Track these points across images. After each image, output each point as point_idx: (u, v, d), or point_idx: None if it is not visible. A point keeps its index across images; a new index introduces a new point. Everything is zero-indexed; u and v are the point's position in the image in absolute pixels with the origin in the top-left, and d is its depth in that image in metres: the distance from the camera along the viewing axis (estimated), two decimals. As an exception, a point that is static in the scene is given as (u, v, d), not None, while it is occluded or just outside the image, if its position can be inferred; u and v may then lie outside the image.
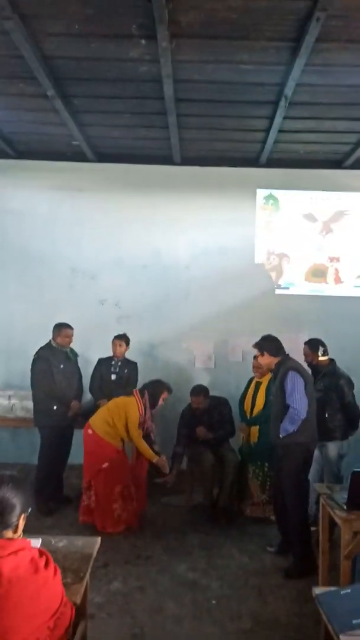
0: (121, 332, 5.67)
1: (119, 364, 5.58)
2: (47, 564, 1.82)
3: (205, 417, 5.25)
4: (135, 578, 3.88)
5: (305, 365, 4.57)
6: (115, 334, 5.62)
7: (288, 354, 4.30)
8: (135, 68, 4.13)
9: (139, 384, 5.72)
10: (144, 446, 4.66)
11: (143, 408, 4.69)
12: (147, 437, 4.75)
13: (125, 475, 4.66)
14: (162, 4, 3.22)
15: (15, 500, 1.86)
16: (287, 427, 3.96)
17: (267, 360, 4.21)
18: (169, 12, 3.35)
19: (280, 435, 4.01)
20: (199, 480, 5.15)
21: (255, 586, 3.82)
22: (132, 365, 5.65)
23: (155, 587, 3.77)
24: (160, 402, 4.93)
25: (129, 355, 5.76)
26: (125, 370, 5.58)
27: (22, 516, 1.88)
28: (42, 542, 2.46)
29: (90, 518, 4.64)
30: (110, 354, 5.61)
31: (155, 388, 4.90)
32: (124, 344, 5.56)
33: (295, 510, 3.99)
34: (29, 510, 1.91)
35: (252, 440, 5.04)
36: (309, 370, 4.45)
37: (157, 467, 4.80)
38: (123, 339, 5.57)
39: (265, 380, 5.12)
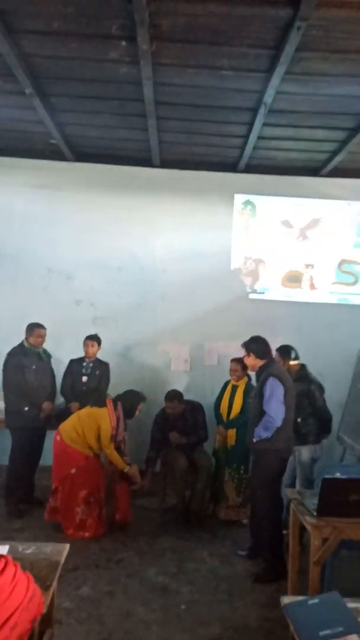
0: (96, 333, 5.61)
1: (91, 364, 5.52)
2: (3, 570, 1.78)
3: (179, 422, 5.24)
4: (105, 582, 3.85)
5: None
6: (86, 334, 5.56)
7: (274, 359, 4.31)
8: (115, 69, 4.11)
9: (111, 385, 5.70)
10: (115, 456, 4.65)
11: (115, 420, 4.68)
12: (117, 448, 4.71)
13: (94, 482, 4.62)
14: (143, 6, 3.21)
15: None
16: (261, 433, 3.98)
17: (252, 361, 4.20)
18: (149, 15, 3.34)
19: (254, 440, 4.03)
20: (172, 484, 5.14)
21: (225, 591, 3.82)
22: (104, 366, 5.60)
23: (125, 592, 3.74)
24: (137, 412, 4.95)
25: (104, 356, 5.72)
26: (97, 372, 5.53)
27: None
28: (9, 548, 2.42)
29: (55, 517, 4.63)
30: (82, 354, 5.56)
31: (132, 399, 4.92)
32: (95, 345, 5.50)
33: (266, 515, 4.01)
34: None
35: (229, 443, 5.04)
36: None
37: (128, 476, 4.77)
38: (95, 339, 5.52)
39: (241, 384, 5.15)
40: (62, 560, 2.40)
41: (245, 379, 5.22)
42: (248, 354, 4.21)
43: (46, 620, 2.34)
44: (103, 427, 4.58)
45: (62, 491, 4.59)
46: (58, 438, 4.68)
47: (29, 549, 2.45)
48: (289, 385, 4.09)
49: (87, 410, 4.77)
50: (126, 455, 4.87)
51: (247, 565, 4.20)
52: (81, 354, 5.56)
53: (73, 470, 4.56)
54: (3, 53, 3.81)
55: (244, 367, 5.19)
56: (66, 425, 4.70)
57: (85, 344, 5.49)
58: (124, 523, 4.75)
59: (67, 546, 2.52)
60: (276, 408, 3.94)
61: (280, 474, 4.14)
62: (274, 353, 4.58)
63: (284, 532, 4.05)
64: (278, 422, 3.94)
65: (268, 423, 3.94)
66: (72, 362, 5.55)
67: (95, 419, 4.62)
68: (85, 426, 4.61)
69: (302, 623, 1.94)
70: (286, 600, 2.17)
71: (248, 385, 5.16)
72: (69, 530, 4.53)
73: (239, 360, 5.14)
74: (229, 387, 5.28)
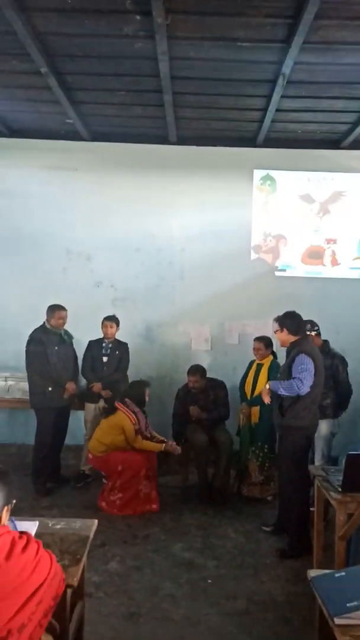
0: (114, 314, 5.62)
1: (110, 345, 5.54)
2: (25, 547, 1.80)
3: (200, 397, 5.27)
4: (132, 558, 3.92)
5: None
6: (105, 316, 5.57)
7: (307, 335, 4.26)
8: (129, 44, 4.04)
9: (133, 367, 5.75)
10: (145, 445, 4.87)
11: (133, 415, 4.86)
12: (146, 437, 4.95)
13: (144, 461, 4.80)
14: (158, -22, 3.13)
15: None
16: (280, 389, 3.95)
17: (285, 337, 4.14)
18: (164, -13, 3.26)
19: (267, 386, 4.05)
20: (194, 461, 5.19)
21: (250, 566, 3.87)
22: (123, 346, 5.62)
23: (152, 566, 3.81)
24: (146, 398, 5.08)
25: (125, 337, 5.75)
26: (117, 352, 5.55)
27: (5, 508, 1.86)
28: (39, 524, 2.48)
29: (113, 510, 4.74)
30: (100, 336, 5.58)
31: (137, 390, 5.08)
32: (114, 325, 5.51)
33: (294, 491, 4.02)
34: (13, 502, 1.90)
35: (253, 421, 5.05)
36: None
37: (168, 452, 4.96)
38: (113, 320, 5.52)
39: (266, 362, 5.15)
40: (91, 535, 2.44)
41: (270, 357, 5.20)
42: (281, 329, 4.13)
43: (78, 593, 2.40)
44: (126, 427, 4.79)
45: (122, 482, 4.73)
46: (90, 456, 4.98)
47: (58, 524, 2.51)
48: (319, 363, 4.04)
49: (105, 422, 4.96)
50: (156, 437, 5.07)
51: (271, 541, 4.24)
52: (100, 335, 5.58)
53: (120, 468, 4.74)
54: (17, 32, 3.76)
55: (268, 345, 5.18)
56: (92, 442, 4.94)
57: (103, 325, 5.50)
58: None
59: (96, 522, 2.57)
60: (306, 379, 3.89)
61: (306, 451, 4.15)
62: None
63: (311, 509, 4.05)
64: (303, 390, 3.89)
65: (295, 386, 3.88)
66: (91, 343, 5.57)
67: (116, 424, 4.83)
68: (110, 435, 4.83)
69: (329, 595, 1.95)
70: (313, 573, 2.19)
71: (273, 363, 5.14)
72: (136, 508, 4.70)
73: (261, 339, 5.11)
74: (253, 366, 5.26)
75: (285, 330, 4.11)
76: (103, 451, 4.82)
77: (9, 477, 1.91)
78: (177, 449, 4.95)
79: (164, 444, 4.93)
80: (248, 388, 5.18)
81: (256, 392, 5.04)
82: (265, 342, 5.19)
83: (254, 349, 5.20)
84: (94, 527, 2.52)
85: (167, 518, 4.63)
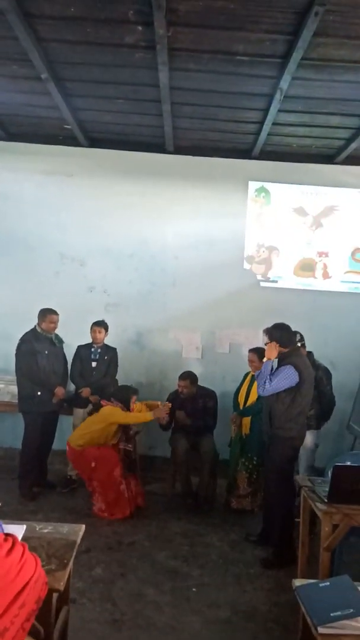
0: (104, 319, 5.62)
1: (99, 350, 5.55)
2: (10, 550, 1.78)
3: (188, 404, 5.29)
4: (117, 564, 3.92)
5: None
6: (94, 321, 5.57)
7: (298, 348, 4.29)
8: (130, 54, 4.09)
9: (123, 372, 5.77)
10: (135, 417, 4.92)
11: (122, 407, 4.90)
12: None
13: (117, 461, 4.80)
14: (161, -9, 3.18)
15: None
16: (261, 371, 4.05)
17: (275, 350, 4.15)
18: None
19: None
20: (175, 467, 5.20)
21: (234, 575, 3.88)
22: (112, 351, 5.63)
23: (136, 573, 3.81)
24: (133, 406, 5.08)
25: (116, 342, 5.76)
26: (105, 357, 5.56)
27: None
28: (27, 528, 2.47)
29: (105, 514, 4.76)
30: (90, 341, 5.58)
31: (124, 393, 5.07)
32: (103, 331, 5.52)
33: (279, 502, 4.05)
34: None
35: (243, 432, 5.05)
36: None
37: (159, 418, 5.00)
38: (102, 325, 5.53)
39: None
40: (79, 540, 2.44)
41: None
42: (270, 342, 4.16)
43: (63, 598, 2.40)
44: (115, 413, 4.79)
45: (98, 482, 4.74)
46: (68, 449, 4.94)
47: (45, 528, 2.50)
48: (308, 375, 4.07)
49: (90, 418, 5.00)
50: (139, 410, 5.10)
51: (256, 550, 4.25)
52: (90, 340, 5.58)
53: (93, 464, 4.74)
54: (19, 38, 3.80)
55: (262, 357, 5.19)
56: (73, 436, 4.95)
57: (92, 330, 5.51)
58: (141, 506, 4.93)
59: (83, 527, 2.57)
60: (275, 384, 3.96)
61: (293, 461, 4.18)
62: None
63: (296, 520, 4.07)
64: (265, 390, 3.99)
65: (262, 382, 3.97)
66: (80, 348, 5.57)
67: (102, 416, 4.84)
68: (92, 424, 4.84)
69: (313, 604, 1.97)
70: (297, 582, 2.21)
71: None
72: (124, 512, 4.71)
73: (255, 350, 5.13)
74: (248, 378, 5.26)
75: (275, 342, 4.13)
76: (80, 445, 4.79)
77: None
78: (164, 415, 4.98)
79: (151, 413, 4.95)
80: (241, 399, 5.19)
81: (249, 403, 5.07)
82: (259, 353, 5.19)
83: (248, 360, 5.20)
84: (81, 532, 2.52)
85: (152, 525, 4.63)
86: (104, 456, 4.76)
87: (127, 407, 4.98)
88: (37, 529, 2.51)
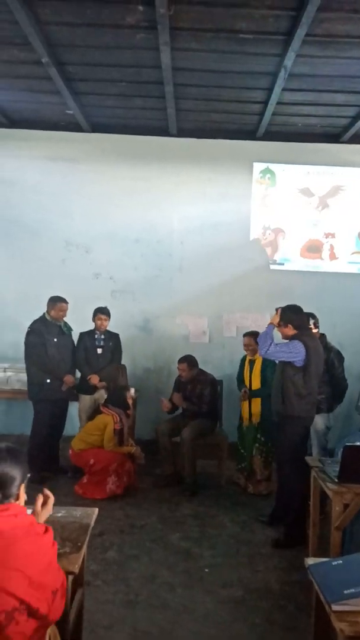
0: (106, 306, 5.58)
1: (102, 337, 5.53)
2: (46, 531, 1.88)
3: (187, 388, 5.32)
4: (129, 547, 3.96)
5: None
6: (96, 307, 5.53)
7: (309, 329, 4.29)
8: (132, 35, 4.03)
9: (132, 359, 5.81)
10: (119, 449, 4.94)
11: (118, 418, 4.92)
12: (120, 441, 4.97)
13: (115, 457, 4.86)
14: (161, -32, 3.12)
15: (15, 472, 1.89)
16: (263, 334, 4.10)
17: (289, 332, 4.11)
18: (168, -23, 3.25)
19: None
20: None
21: (246, 555, 3.92)
22: (115, 337, 5.62)
23: (149, 555, 3.85)
24: (130, 401, 5.15)
25: (122, 329, 5.78)
26: (110, 343, 5.56)
27: (22, 485, 1.92)
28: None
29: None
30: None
31: (118, 396, 5.12)
32: (107, 317, 5.51)
33: (292, 481, 4.05)
34: (27, 476, 1.96)
35: (254, 420, 5.05)
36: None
37: (134, 456, 5.04)
38: (105, 312, 5.50)
39: (259, 359, 5.10)
40: (92, 523, 2.47)
41: None
42: (285, 325, 4.11)
43: (78, 580, 2.43)
44: (108, 426, 4.88)
45: (93, 473, 4.85)
46: (70, 452, 5.04)
47: (59, 512, 2.53)
48: (315, 353, 4.04)
49: (90, 423, 5.07)
50: (129, 441, 5.14)
51: (267, 531, 4.28)
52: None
53: (92, 461, 4.84)
54: (19, 21, 3.75)
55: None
56: (75, 439, 5.07)
57: (97, 317, 5.48)
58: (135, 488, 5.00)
59: (96, 510, 2.60)
60: (280, 349, 4.01)
61: (304, 441, 4.18)
62: None
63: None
64: (262, 351, 4.06)
65: (267, 338, 4.02)
66: (83, 335, 5.53)
67: (100, 423, 4.93)
68: (92, 436, 4.94)
69: (326, 582, 1.99)
70: (310, 561, 2.23)
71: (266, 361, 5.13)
72: (94, 496, 4.76)
73: (251, 334, 5.11)
74: (246, 363, 5.26)
75: (290, 325, 4.10)
76: (82, 448, 4.94)
77: (22, 455, 1.97)
78: (141, 457, 5.06)
79: (133, 449, 5.04)
80: (247, 383, 5.19)
81: (253, 388, 5.08)
82: (255, 337, 5.18)
83: (244, 344, 5.19)
84: (95, 516, 2.54)
85: (164, 508, 4.67)
86: (102, 454, 4.86)
87: (125, 406, 5.05)
88: (51, 513, 2.52)
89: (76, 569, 2.11)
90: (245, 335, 5.22)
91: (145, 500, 4.81)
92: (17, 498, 1.90)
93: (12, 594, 1.65)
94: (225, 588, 3.47)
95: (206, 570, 3.68)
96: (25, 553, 1.73)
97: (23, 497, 1.93)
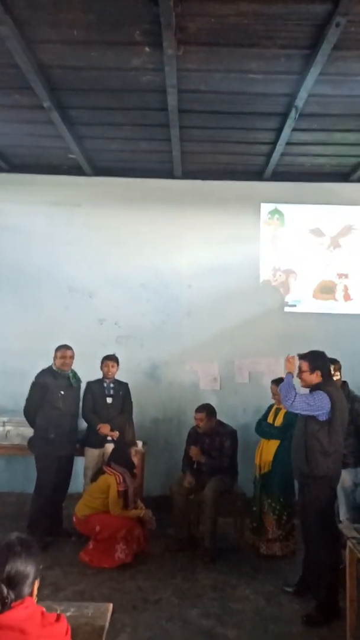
0: (116, 353, 5.32)
1: (112, 385, 5.24)
2: (58, 619, 1.81)
3: (205, 440, 4.96)
4: (144, 627, 3.55)
5: None
6: (104, 355, 5.26)
7: (332, 378, 3.95)
8: (137, 77, 3.91)
9: (139, 407, 5.48)
10: (124, 513, 4.53)
11: (121, 478, 4.56)
12: (126, 505, 4.58)
13: (124, 523, 4.47)
14: (170, 8, 2.99)
15: (29, 568, 1.76)
16: (285, 385, 3.76)
17: (315, 379, 3.79)
18: (176, 17, 3.12)
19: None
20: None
21: (274, 634, 3.51)
22: (124, 386, 5.32)
23: (167, 637, 3.45)
24: (136, 460, 4.82)
25: (129, 376, 5.48)
26: (120, 392, 5.26)
27: (36, 582, 1.78)
28: (46, 610, 2.15)
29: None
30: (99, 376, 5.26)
31: (121, 454, 4.77)
32: (115, 365, 5.22)
33: (320, 548, 3.68)
34: (41, 568, 1.81)
35: (263, 469, 4.70)
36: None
37: (144, 520, 4.61)
38: (114, 359, 5.23)
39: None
40: (107, 624, 2.13)
41: None
42: (312, 371, 3.79)
43: None
44: (111, 492, 4.51)
45: (99, 540, 4.47)
46: (75, 519, 4.65)
47: (67, 611, 2.18)
48: (340, 407, 3.72)
49: (93, 485, 4.70)
50: (136, 503, 4.72)
51: (295, 603, 3.87)
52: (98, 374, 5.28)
53: (97, 528, 4.46)
54: (20, 65, 3.62)
55: None
56: (79, 505, 4.66)
57: (105, 365, 5.20)
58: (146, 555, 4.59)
59: (111, 606, 2.25)
60: (307, 401, 3.65)
61: (332, 503, 3.81)
62: None
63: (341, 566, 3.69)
64: (287, 403, 3.69)
65: (289, 388, 3.69)
66: (90, 384, 5.22)
67: (104, 484, 4.56)
68: (97, 500, 4.56)
69: None
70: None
71: None
72: (102, 564, 4.37)
73: (278, 381, 4.82)
74: (272, 411, 4.92)
75: (318, 372, 3.79)
76: (86, 514, 4.54)
77: (35, 548, 1.83)
78: (152, 521, 4.61)
79: (142, 512, 4.61)
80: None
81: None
82: None
83: (272, 392, 4.87)
84: (109, 614, 2.20)
85: (179, 578, 4.26)
86: (109, 520, 4.46)
87: (130, 465, 4.70)
88: (58, 611, 2.18)
89: None
90: (273, 382, 4.89)
91: (159, 569, 4.39)
92: (31, 595, 1.76)
93: None
94: None
95: (232, 656, 3.29)
96: None
97: (35, 592, 1.78)
